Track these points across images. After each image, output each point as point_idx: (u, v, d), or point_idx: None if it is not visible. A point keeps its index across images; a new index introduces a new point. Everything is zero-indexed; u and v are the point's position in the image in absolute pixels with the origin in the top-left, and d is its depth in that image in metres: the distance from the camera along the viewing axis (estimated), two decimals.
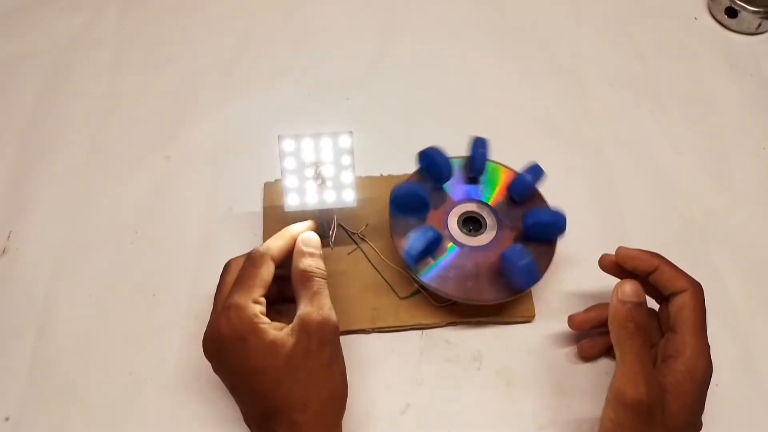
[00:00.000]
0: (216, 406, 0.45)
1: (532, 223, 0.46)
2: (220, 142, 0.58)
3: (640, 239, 0.53)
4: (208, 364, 0.47)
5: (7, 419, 0.45)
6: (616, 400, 0.38)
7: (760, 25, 0.66)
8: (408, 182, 0.49)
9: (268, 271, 0.41)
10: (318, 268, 0.42)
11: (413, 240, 0.45)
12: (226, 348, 0.39)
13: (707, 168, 0.58)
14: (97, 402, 0.45)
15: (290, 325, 0.40)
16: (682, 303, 0.40)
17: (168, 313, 0.49)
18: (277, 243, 0.43)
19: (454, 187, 0.51)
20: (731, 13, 0.67)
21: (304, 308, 0.40)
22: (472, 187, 0.51)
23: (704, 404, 0.40)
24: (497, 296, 0.46)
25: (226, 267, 0.44)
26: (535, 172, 0.48)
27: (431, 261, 0.47)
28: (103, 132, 0.59)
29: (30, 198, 0.55)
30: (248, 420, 0.41)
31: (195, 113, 0.60)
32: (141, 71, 0.63)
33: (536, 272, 0.45)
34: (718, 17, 0.68)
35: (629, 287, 0.39)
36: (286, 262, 0.43)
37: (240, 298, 0.40)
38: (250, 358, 0.38)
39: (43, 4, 0.68)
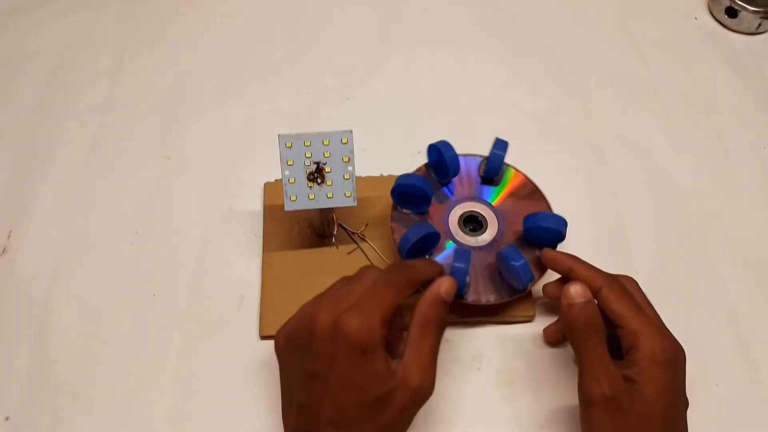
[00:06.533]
0: (216, 406, 0.45)
1: (532, 227, 0.46)
2: (220, 142, 0.58)
3: (640, 239, 0.53)
4: (208, 365, 0.47)
5: (7, 419, 0.45)
6: (584, 400, 0.39)
7: (760, 25, 0.66)
8: (413, 174, 0.49)
9: (405, 298, 0.38)
10: (445, 319, 0.39)
11: (407, 234, 0.45)
12: (343, 346, 0.35)
13: (707, 168, 0.58)
14: (97, 402, 0.45)
15: (395, 365, 0.36)
16: (605, 300, 0.41)
17: (168, 313, 0.49)
18: (423, 274, 0.40)
19: (460, 185, 0.51)
20: (731, 13, 0.67)
21: (413, 359, 0.37)
22: (477, 186, 0.51)
23: (684, 381, 0.40)
24: (496, 297, 0.46)
25: (399, 268, 0.40)
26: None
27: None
28: (103, 132, 0.59)
29: (30, 198, 0.55)
30: (308, 412, 0.37)
31: (195, 113, 0.60)
32: (141, 71, 0.63)
33: (530, 273, 0.44)
34: (718, 17, 0.68)
35: (573, 288, 0.40)
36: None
37: (379, 309, 0.36)
38: (355, 373, 0.35)
39: (43, 4, 0.68)
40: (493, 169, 0.50)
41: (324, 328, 0.36)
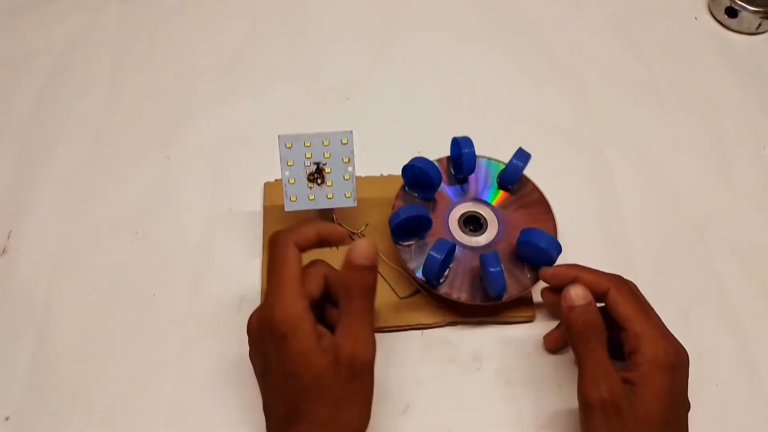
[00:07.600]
0: (216, 407, 0.45)
1: (525, 242, 0.45)
2: (220, 142, 0.58)
3: (641, 239, 0.53)
4: (208, 365, 0.47)
5: (7, 419, 0.45)
6: (583, 404, 0.39)
7: (760, 25, 0.66)
8: (427, 160, 0.48)
9: (301, 259, 0.38)
10: (367, 284, 0.37)
11: (398, 211, 0.45)
12: (269, 338, 0.37)
13: (707, 168, 0.58)
14: (97, 402, 0.45)
15: (328, 341, 0.37)
16: (612, 302, 0.41)
17: (168, 313, 0.49)
18: (307, 232, 0.39)
19: (474, 185, 0.51)
20: (731, 13, 0.67)
21: (341, 331, 0.37)
22: (490, 190, 0.50)
23: (686, 384, 0.40)
24: (467, 297, 0.46)
25: (277, 242, 0.38)
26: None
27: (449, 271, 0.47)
28: (103, 132, 0.59)
29: (30, 198, 0.55)
30: (270, 412, 0.39)
31: (195, 113, 0.60)
32: (141, 71, 0.63)
33: (503, 282, 0.44)
34: (718, 17, 0.68)
35: (573, 291, 0.40)
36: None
37: (283, 289, 0.37)
38: (285, 360, 0.36)
39: (43, 4, 0.68)
40: (509, 178, 0.50)
41: (251, 331, 0.39)
